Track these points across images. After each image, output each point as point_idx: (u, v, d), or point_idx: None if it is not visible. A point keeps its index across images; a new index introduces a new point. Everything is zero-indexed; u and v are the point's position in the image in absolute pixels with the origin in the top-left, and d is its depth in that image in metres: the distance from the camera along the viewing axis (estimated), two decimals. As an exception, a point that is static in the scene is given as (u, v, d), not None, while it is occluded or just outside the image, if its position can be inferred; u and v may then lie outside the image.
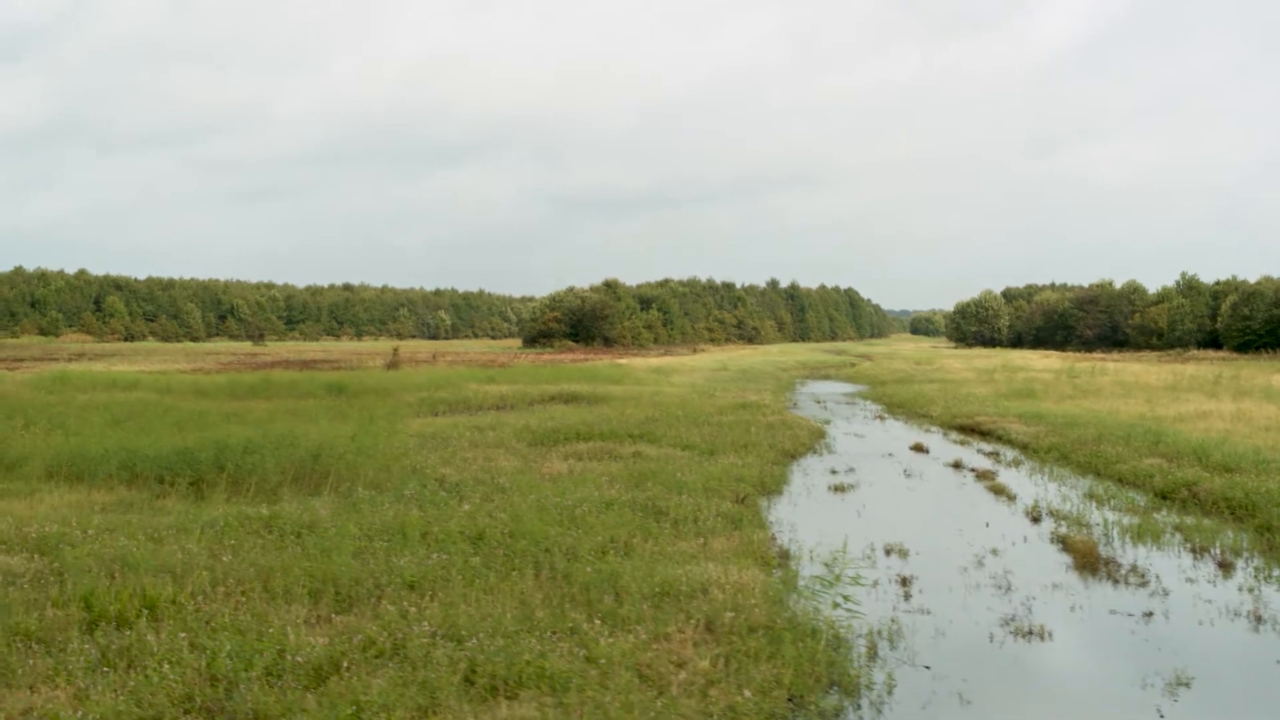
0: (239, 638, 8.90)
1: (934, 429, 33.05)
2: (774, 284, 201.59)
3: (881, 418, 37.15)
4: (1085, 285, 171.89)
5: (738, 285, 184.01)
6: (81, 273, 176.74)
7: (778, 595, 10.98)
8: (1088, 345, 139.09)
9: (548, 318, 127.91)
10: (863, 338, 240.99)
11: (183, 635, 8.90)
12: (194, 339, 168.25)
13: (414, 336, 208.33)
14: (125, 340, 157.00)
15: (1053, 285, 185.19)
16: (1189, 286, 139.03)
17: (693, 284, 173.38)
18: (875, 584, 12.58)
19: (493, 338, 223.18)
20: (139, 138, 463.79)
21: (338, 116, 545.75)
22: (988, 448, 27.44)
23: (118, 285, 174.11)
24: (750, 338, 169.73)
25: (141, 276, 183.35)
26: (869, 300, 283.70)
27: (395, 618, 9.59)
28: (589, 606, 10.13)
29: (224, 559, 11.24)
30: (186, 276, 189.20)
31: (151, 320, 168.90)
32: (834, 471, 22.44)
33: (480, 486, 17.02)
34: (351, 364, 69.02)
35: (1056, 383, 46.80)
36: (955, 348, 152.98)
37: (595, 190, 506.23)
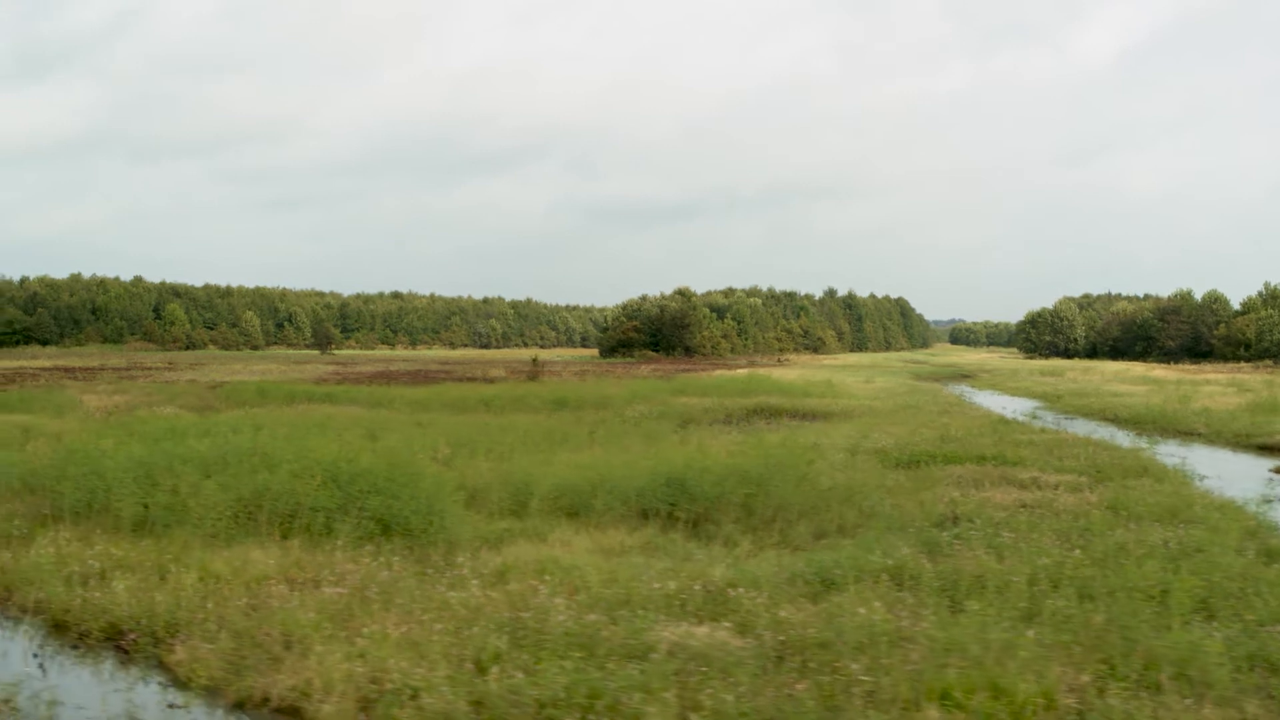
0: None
1: (1225, 449, 30.42)
2: (831, 293, 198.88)
3: (1142, 435, 34.53)
4: (1128, 295, 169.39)
5: (799, 294, 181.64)
6: (137, 279, 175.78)
7: None
8: (1170, 356, 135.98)
9: (626, 327, 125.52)
10: (913, 348, 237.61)
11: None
12: (253, 347, 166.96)
13: (466, 345, 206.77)
14: (186, 348, 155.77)
15: (1109, 294, 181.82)
16: (1272, 296, 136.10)
17: (754, 291, 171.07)
18: None
19: (542, 346, 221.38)
20: (179, 146, 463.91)
21: (383, 126, 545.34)
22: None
23: (176, 292, 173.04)
24: (815, 348, 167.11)
25: (196, 284, 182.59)
26: (915, 310, 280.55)
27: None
28: None
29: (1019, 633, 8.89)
30: (225, 284, 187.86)
31: (211, 328, 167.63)
32: (1267, 500, 19.92)
33: (983, 524, 14.64)
34: (473, 374, 66.86)
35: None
36: (1028, 358, 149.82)
37: (633, 200, 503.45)
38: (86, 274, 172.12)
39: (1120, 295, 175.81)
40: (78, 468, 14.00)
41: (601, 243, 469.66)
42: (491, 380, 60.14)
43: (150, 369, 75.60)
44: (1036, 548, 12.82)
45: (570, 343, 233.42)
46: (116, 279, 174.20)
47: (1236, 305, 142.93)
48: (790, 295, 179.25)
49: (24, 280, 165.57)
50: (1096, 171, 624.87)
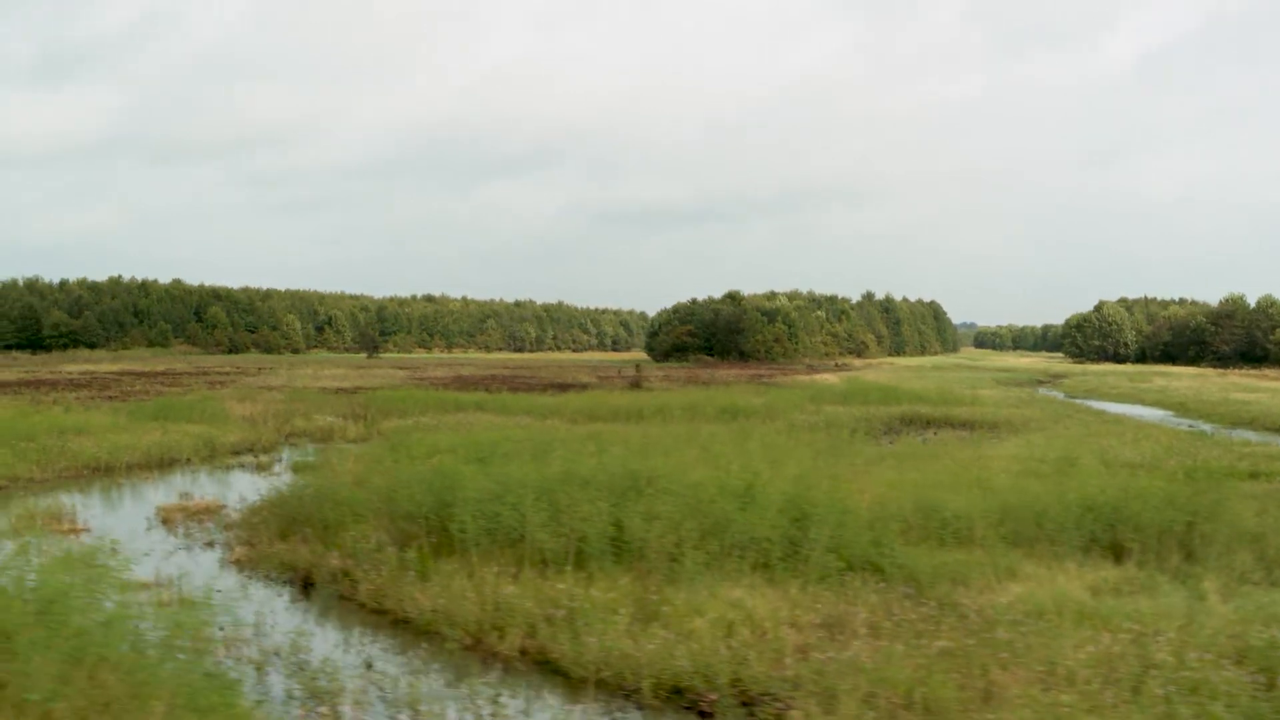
0: None
1: None
2: (869, 296, 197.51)
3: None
4: (1164, 299, 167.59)
5: (839, 297, 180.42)
6: (177, 282, 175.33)
7: None
8: (1224, 361, 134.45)
9: (679, 331, 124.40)
10: (945, 352, 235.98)
11: None
12: (294, 350, 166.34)
13: (501, 349, 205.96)
14: (229, 351, 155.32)
15: (1145, 297, 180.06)
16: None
17: (795, 295, 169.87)
18: None
19: (574, 350, 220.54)
20: (198, 149, 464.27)
21: (396, 131, 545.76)
22: None
23: (217, 295, 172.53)
24: (858, 351, 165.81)
25: (231, 286, 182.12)
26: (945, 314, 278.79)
27: None
28: None
29: None
30: (260, 287, 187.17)
31: (253, 331, 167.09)
32: None
33: None
34: (562, 379, 65.93)
35: None
36: (1076, 362, 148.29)
37: (648, 203, 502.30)
38: (98, 276, 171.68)
39: (1154, 299, 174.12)
40: (469, 491, 12.87)
41: (615, 246, 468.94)
42: (586, 386, 59.05)
43: (226, 373, 74.60)
44: None
45: (603, 346, 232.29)
46: (156, 281, 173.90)
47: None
48: (831, 299, 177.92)
49: (64, 283, 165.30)
50: (1113, 176, 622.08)
